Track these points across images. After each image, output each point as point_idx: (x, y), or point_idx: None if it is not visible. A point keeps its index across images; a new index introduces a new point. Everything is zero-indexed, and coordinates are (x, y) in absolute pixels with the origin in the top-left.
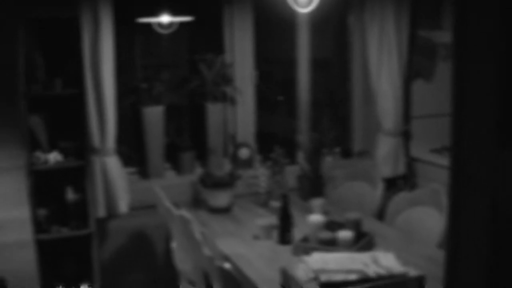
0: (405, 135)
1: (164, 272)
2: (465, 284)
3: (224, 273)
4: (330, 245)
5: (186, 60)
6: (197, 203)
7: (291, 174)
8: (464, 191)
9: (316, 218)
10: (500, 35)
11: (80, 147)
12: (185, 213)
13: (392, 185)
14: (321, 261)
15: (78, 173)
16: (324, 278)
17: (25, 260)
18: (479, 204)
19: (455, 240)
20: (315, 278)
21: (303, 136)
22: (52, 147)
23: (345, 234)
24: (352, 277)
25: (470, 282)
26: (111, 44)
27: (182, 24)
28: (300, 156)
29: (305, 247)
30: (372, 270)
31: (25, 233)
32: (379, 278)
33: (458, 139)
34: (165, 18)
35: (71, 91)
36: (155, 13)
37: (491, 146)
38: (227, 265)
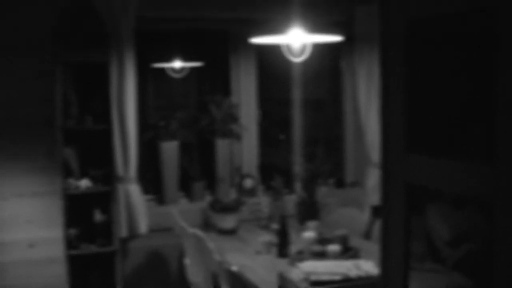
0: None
1: (176, 287)
2: (393, 240)
3: (232, 275)
4: (321, 256)
5: (195, 101)
6: (207, 226)
7: (290, 201)
8: (389, 181)
9: (309, 234)
10: (406, 81)
11: (107, 175)
12: (198, 231)
13: (380, 212)
14: (311, 266)
15: (105, 198)
16: (313, 278)
17: (56, 274)
18: (397, 188)
19: (387, 212)
20: (306, 279)
21: (299, 167)
22: (83, 174)
23: (333, 247)
24: (336, 277)
25: (396, 240)
26: (134, 86)
27: (192, 68)
28: (298, 186)
29: (300, 258)
30: (353, 273)
31: (58, 250)
32: (359, 279)
33: (385, 146)
34: (177, 64)
35: (100, 126)
36: (168, 59)
37: (403, 150)
38: (234, 268)
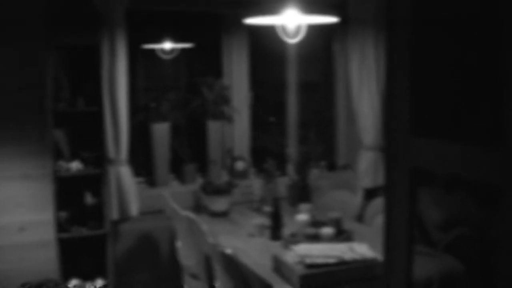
0: (383, 150)
1: (168, 269)
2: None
3: (225, 258)
4: (314, 239)
5: (185, 83)
6: (198, 208)
7: (282, 184)
8: (392, 165)
9: (302, 217)
10: (412, 62)
11: (98, 157)
12: (190, 213)
13: (372, 194)
14: (306, 249)
15: (96, 180)
16: (308, 261)
17: (47, 258)
18: (401, 172)
19: (390, 196)
20: (301, 261)
21: (292, 150)
22: (74, 157)
23: (327, 230)
24: (331, 260)
25: (400, 231)
26: (125, 68)
27: (182, 50)
28: (290, 168)
29: (293, 241)
30: (348, 256)
31: (48, 233)
32: (354, 261)
33: (389, 129)
34: (167, 45)
35: (92, 108)
36: (158, 40)
37: (408, 134)
38: (228, 251)
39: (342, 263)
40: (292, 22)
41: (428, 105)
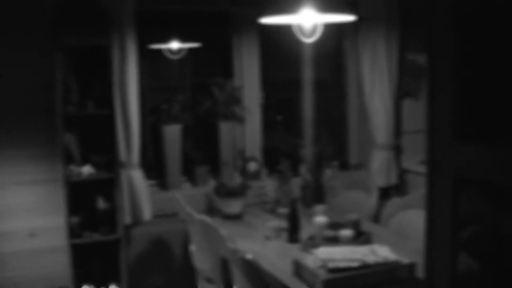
0: (397, 149)
1: (181, 273)
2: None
3: (246, 263)
4: (333, 242)
5: (193, 83)
6: (211, 211)
7: (294, 185)
8: (434, 172)
9: (320, 219)
10: (456, 63)
11: (110, 161)
12: (206, 217)
13: (385, 194)
14: (327, 252)
15: (108, 184)
16: (331, 265)
17: (58, 264)
18: (445, 180)
19: (431, 204)
20: (323, 266)
21: (307, 150)
22: (85, 161)
23: (346, 232)
24: (354, 264)
25: (443, 236)
26: (135, 69)
27: (190, 50)
28: (303, 168)
29: (312, 244)
30: (371, 259)
31: (60, 239)
32: (377, 265)
33: (431, 135)
34: (174, 45)
35: (102, 111)
36: (165, 39)
37: (451, 139)
38: (249, 256)
39: (365, 266)
40: (308, 21)
41: (473, 108)
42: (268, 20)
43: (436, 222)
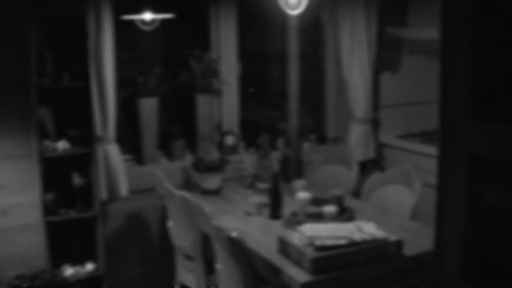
0: (374, 123)
1: (159, 250)
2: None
3: (230, 241)
4: (317, 218)
5: (168, 55)
6: (188, 186)
7: (273, 159)
8: (449, 151)
9: (303, 195)
10: (472, 36)
11: (85, 135)
12: (185, 193)
13: (364, 168)
14: (313, 230)
15: (83, 160)
16: (318, 242)
17: (33, 242)
18: (460, 159)
19: (443, 184)
20: (310, 243)
21: (290, 123)
22: (60, 135)
23: (330, 208)
24: (342, 241)
25: (455, 221)
26: (111, 40)
27: (163, 21)
28: (281, 142)
29: (295, 220)
30: (358, 236)
31: (35, 216)
32: (364, 242)
33: (445, 112)
34: (147, 16)
35: (77, 84)
36: (138, 10)
37: (467, 118)
38: (234, 234)
39: (352, 244)
40: None
41: (491, 84)
42: None
43: (449, 203)
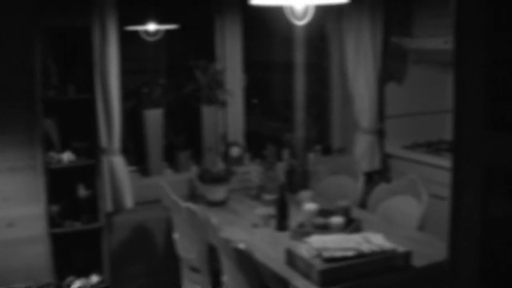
0: (380, 133)
1: (164, 262)
2: (465, 235)
3: (238, 253)
4: (324, 229)
5: (173, 66)
6: (194, 197)
7: (279, 170)
8: (462, 162)
9: (310, 206)
10: (488, 46)
11: (90, 147)
12: (191, 205)
13: (369, 179)
14: (321, 241)
15: (88, 171)
16: (326, 254)
17: (38, 254)
18: (473, 170)
19: (457, 196)
20: (318, 255)
21: (293, 134)
22: (65, 147)
23: (337, 220)
24: (350, 253)
25: (470, 234)
26: (116, 51)
27: (166, 31)
28: (286, 153)
29: (302, 232)
30: (366, 247)
31: (39, 228)
32: (373, 253)
33: (458, 122)
34: (151, 26)
35: (83, 96)
36: (142, 21)
37: (481, 128)
38: (242, 246)
39: (360, 255)
40: (300, 2)
41: (505, 95)
42: (258, 1)
43: (463, 215)
